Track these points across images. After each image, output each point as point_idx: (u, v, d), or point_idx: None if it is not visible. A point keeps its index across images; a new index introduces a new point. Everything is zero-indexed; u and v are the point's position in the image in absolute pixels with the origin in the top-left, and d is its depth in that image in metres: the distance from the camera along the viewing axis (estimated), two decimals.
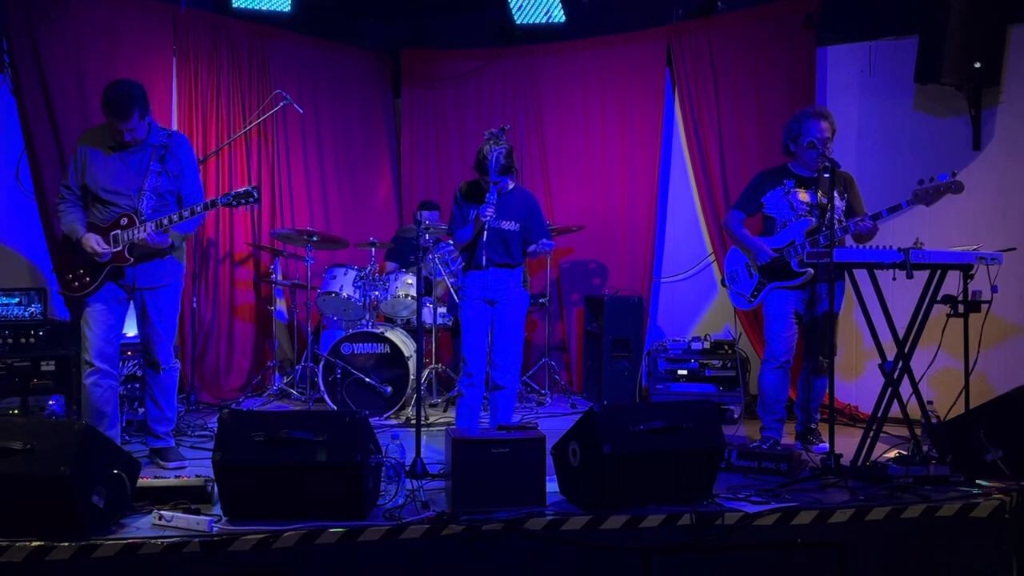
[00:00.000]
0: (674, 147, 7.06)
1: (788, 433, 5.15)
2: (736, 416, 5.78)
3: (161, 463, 4.44)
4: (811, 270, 4.71)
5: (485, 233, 4.53)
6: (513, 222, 4.65)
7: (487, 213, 4.49)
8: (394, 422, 5.78)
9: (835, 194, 4.67)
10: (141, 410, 5.09)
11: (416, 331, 4.84)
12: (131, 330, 4.76)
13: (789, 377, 4.95)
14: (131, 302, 4.48)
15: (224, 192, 5.15)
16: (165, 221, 4.28)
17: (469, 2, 7.48)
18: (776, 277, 4.85)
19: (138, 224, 4.28)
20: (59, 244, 4.51)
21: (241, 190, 4.37)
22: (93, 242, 4.27)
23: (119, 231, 4.30)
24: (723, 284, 5.21)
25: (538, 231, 4.75)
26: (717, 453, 3.69)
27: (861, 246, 4.59)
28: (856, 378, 6.07)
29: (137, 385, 5.14)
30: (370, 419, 3.63)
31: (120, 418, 4.64)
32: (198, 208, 4.33)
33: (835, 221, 4.51)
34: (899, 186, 4.85)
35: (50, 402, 5.04)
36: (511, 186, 4.73)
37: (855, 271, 4.44)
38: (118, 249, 4.29)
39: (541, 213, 4.87)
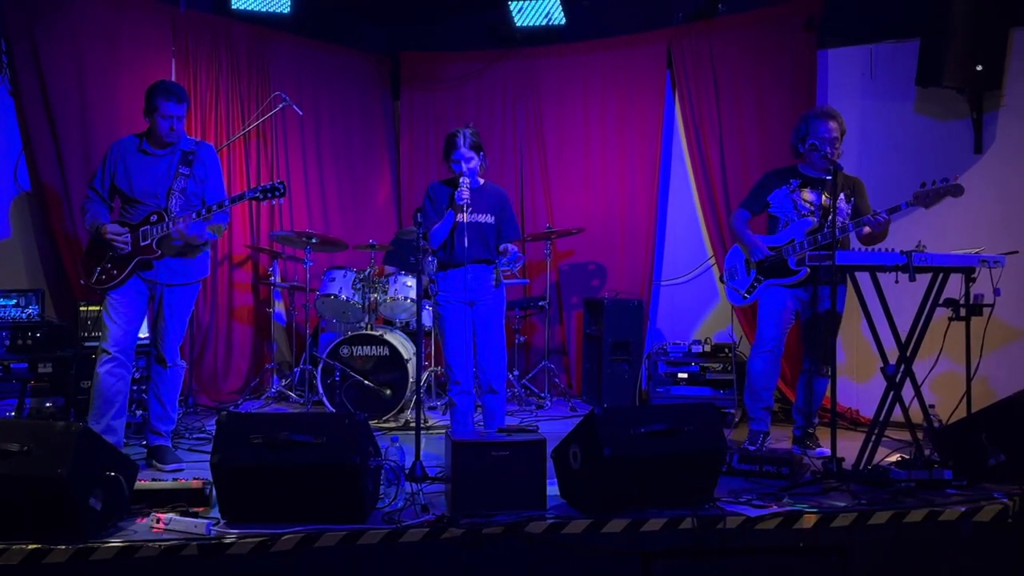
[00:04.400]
0: (674, 150, 7.05)
1: (786, 437, 5.14)
2: (737, 420, 5.76)
3: (158, 465, 4.43)
4: (807, 268, 4.72)
5: (463, 217, 4.48)
6: (489, 215, 4.62)
7: (463, 196, 4.45)
8: (393, 425, 5.76)
9: (840, 196, 4.67)
10: (139, 413, 5.08)
11: (415, 334, 4.82)
12: (141, 332, 4.76)
13: (779, 366, 4.97)
14: (152, 299, 4.55)
15: (251, 186, 5.23)
16: (203, 212, 4.38)
17: (469, 4, 7.47)
18: (772, 275, 4.87)
19: (167, 220, 4.37)
20: (88, 241, 4.63)
21: (268, 184, 4.48)
22: (111, 230, 4.37)
23: (148, 227, 4.40)
24: (721, 281, 5.22)
25: (510, 227, 4.71)
26: (718, 456, 3.67)
27: (872, 248, 4.54)
28: (857, 382, 6.05)
29: (135, 388, 5.10)
30: (369, 422, 3.60)
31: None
32: (226, 202, 4.44)
33: (837, 223, 4.49)
34: (901, 189, 4.83)
35: (47, 404, 5.02)
36: (482, 182, 4.71)
37: (857, 273, 4.42)
38: (146, 243, 4.38)
39: (513, 210, 4.83)
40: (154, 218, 4.41)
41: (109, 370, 4.38)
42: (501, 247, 4.63)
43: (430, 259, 5.64)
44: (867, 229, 4.65)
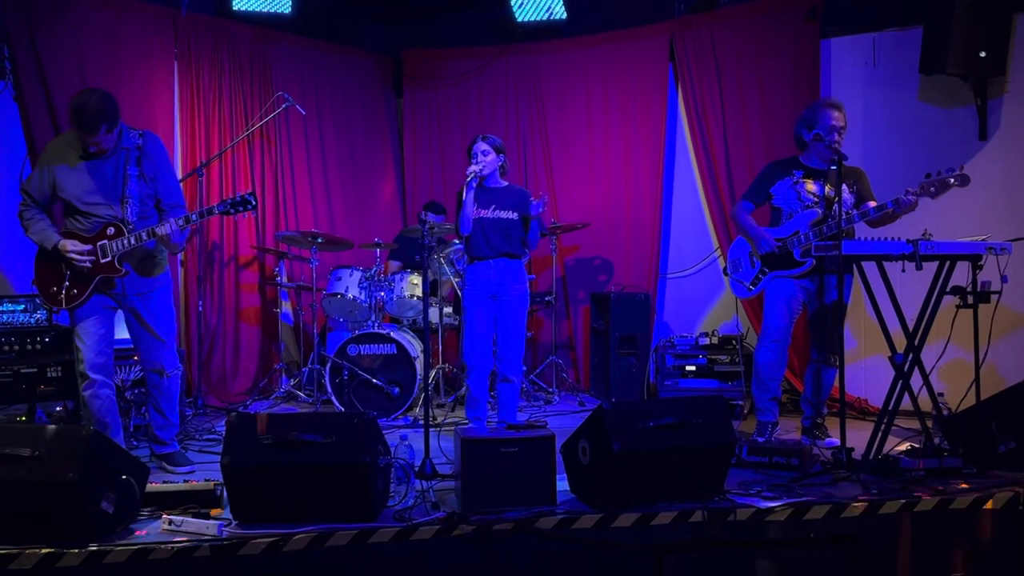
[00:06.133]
0: (678, 142, 7.04)
1: (795, 428, 5.14)
2: (745, 412, 5.75)
3: (170, 468, 4.41)
4: (812, 260, 4.71)
5: (487, 213, 4.69)
6: (512, 212, 4.79)
7: (471, 169, 4.67)
8: (402, 423, 5.77)
9: (843, 187, 4.65)
10: (147, 415, 5.07)
11: (422, 331, 4.83)
12: (123, 333, 4.69)
13: (787, 356, 4.96)
14: (120, 310, 4.36)
15: (221, 200, 4.99)
16: (181, 221, 4.17)
17: (470, 1, 7.46)
18: (778, 266, 4.87)
19: (127, 233, 4.16)
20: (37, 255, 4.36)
21: (238, 197, 4.26)
22: (71, 247, 4.14)
23: (106, 241, 4.18)
24: (725, 273, 5.22)
25: (534, 221, 4.89)
26: (728, 449, 3.67)
27: (878, 237, 4.50)
28: (865, 371, 6.04)
29: (138, 391, 5.10)
30: (378, 420, 3.61)
31: (127, 424, 4.62)
32: (193, 216, 4.24)
33: (842, 214, 4.48)
34: (906, 177, 4.83)
35: (57, 408, 5.03)
36: (505, 183, 4.89)
37: (864, 263, 4.40)
38: (107, 260, 4.17)
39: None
40: (111, 231, 4.16)
41: (94, 393, 4.23)
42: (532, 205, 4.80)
43: (436, 256, 5.72)
44: (890, 210, 4.58)
